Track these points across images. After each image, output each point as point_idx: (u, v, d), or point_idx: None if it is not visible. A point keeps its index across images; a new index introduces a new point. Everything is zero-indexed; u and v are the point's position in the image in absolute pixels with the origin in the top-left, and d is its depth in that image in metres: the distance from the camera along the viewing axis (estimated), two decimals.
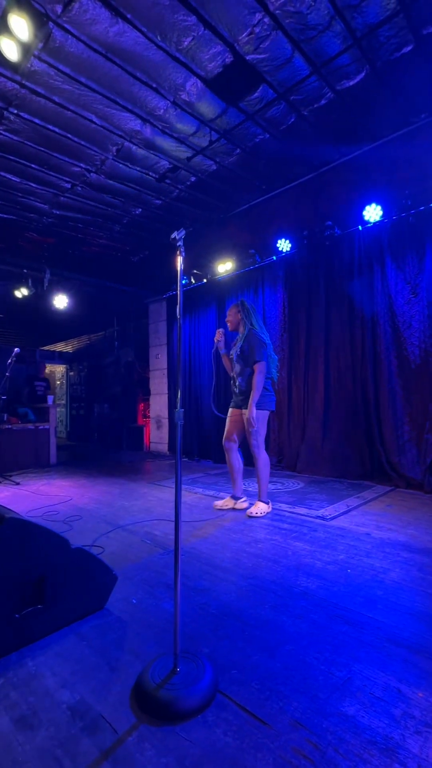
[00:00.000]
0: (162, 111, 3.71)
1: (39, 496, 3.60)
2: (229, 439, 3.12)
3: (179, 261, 1.25)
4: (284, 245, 4.67)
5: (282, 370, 4.79)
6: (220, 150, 4.29)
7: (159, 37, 2.98)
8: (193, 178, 4.83)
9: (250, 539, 2.43)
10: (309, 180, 4.70)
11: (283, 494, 3.53)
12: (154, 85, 3.42)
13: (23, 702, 1.13)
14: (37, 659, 1.32)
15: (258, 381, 2.86)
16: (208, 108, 3.69)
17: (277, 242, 4.72)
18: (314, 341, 4.50)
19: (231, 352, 3.13)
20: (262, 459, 2.95)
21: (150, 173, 4.70)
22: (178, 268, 1.26)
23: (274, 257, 4.84)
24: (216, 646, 1.38)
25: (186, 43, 3.04)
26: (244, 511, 3.02)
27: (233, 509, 3.09)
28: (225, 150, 4.30)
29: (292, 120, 3.88)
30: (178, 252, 1.24)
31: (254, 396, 2.86)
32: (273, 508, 3.08)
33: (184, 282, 5.86)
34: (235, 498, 3.15)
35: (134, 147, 4.22)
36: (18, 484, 4.15)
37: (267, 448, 4.95)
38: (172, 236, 1.23)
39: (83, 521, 2.83)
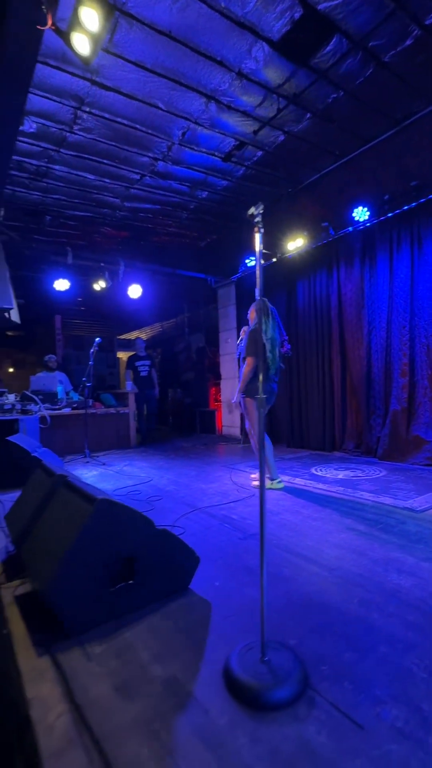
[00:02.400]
0: (227, 85, 3.56)
1: (123, 476, 3.85)
2: (253, 423, 3.38)
3: (258, 238, 1.17)
4: (362, 214, 4.28)
5: (360, 350, 4.46)
6: (288, 118, 4.02)
7: (222, 3, 2.82)
8: (259, 153, 4.62)
9: (332, 528, 2.32)
10: (389, 137, 4.21)
11: (364, 482, 3.33)
12: (219, 58, 3.28)
13: (122, 671, 1.20)
14: (131, 631, 1.40)
15: (244, 372, 3.18)
16: (275, 73, 3.45)
17: (353, 212, 4.34)
18: (397, 317, 4.10)
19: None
20: (253, 442, 3.40)
21: (216, 153, 4.59)
22: (257, 246, 1.18)
23: (350, 228, 4.47)
24: (303, 638, 1.33)
25: (251, 5, 2.85)
26: (321, 498, 2.91)
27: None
28: (294, 117, 4.01)
29: (370, 71, 3.47)
30: (256, 228, 1.16)
31: (239, 385, 3.23)
32: (354, 497, 2.92)
33: (251, 264, 5.72)
34: (272, 477, 3.32)
35: (199, 128, 4.13)
36: (104, 464, 4.48)
37: (344, 432, 4.70)
38: (250, 212, 1.15)
39: (163, 502, 2.95)
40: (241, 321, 6.26)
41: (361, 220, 4.31)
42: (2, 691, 1.20)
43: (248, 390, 3.20)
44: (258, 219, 1.15)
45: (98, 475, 3.92)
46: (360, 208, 4.29)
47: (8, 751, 1.12)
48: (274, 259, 5.51)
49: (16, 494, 3.13)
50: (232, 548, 2.09)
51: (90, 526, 1.40)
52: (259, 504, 2.69)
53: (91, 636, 1.37)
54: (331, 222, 4.68)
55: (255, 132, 4.22)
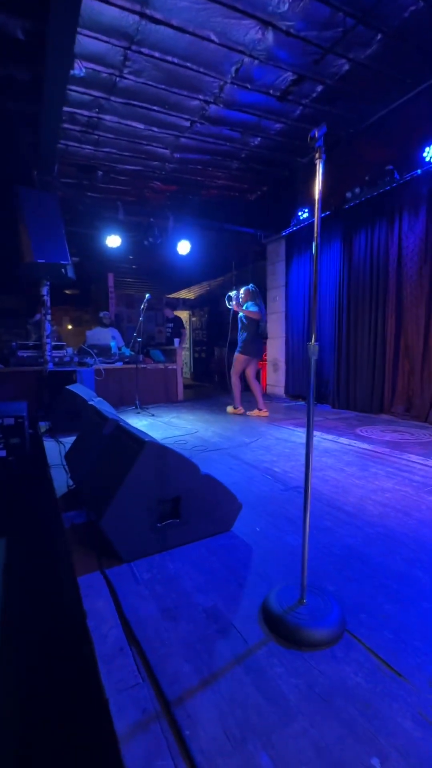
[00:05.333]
0: (286, 6, 3.12)
1: (170, 427, 3.97)
2: (236, 373, 4.68)
3: (319, 167, 1.02)
4: None
5: (418, 309, 4.08)
6: (355, 41, 3.47)
7: None
8: (319, 88, 4.10)
9: (376, 487, 2.24)
10: None
11: (413, 445, 3.15)
12: None
13: (167, 597, 1.27)
14: (176, 564, 1.46)
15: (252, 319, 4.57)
16: None
17: (423, 151, 3.79)
18: None
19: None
20: (233, 383, 4.73)
21: (271, 92, 4.15)
22: (318, 178, 1.03)
23: (419, 171, 3.93)
24: (342, 586, 1.32)
25: None
26: (366, 458, 2.80)
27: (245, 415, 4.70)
28: (362, 39, 3.46)
29: None
30: (317, 155, 1.00)
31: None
32: (401, 459, 2.78)
33: (304, 216, 5.30)
34: (236, 407, 4.82)
35: (254, 62, 3.72)
36: (153, 415, 4.64)
37: (393, 394, 4.46)
38: (311, 134, 0.99)
39: (208, 452, 3.01)
40: (291, 277, 5.94)
41: None
42: (63, 602, 1.32)
43: (245, 349, 4.57)
44: (320, 144, 1.00)
45: (148, 425, 4.07)
46: None
47: (66, 653, 1.25)
48: (329, 211, 5.06)
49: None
50: (274, 498, 2.09)
51: (140, 466, 1.44)
52: (303, 460, 2.78)
53: (140, 564, 1.45)
54: (396, 165, 4.14)
55: (316, 62, 3.72)
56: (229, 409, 4.87)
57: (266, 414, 4.60)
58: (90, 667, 1.05)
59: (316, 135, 0.99)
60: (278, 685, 0.93)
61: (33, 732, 1.29)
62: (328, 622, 1.09)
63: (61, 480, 2.34)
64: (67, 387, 3.82)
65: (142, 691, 0.92)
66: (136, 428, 1.90)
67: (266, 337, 4.92)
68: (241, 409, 4.79)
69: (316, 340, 1.14)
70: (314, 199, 4.16)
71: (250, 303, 4.58)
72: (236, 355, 4.62)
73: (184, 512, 1.56)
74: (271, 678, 0.95)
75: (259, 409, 4.63)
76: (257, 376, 4.80)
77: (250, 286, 4.68)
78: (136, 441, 1.54)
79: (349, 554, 1.53)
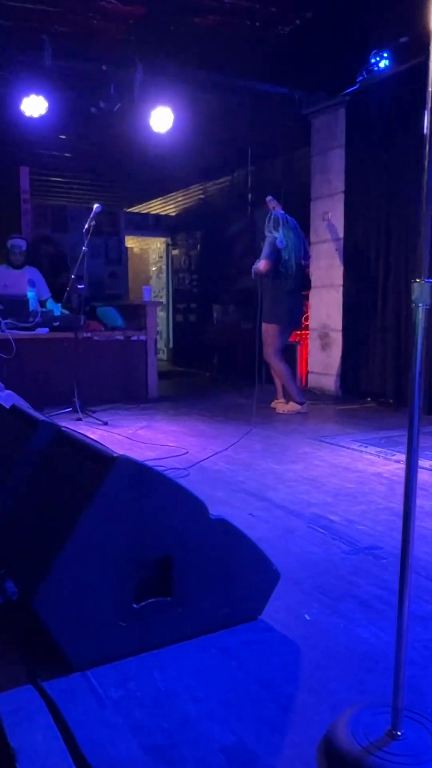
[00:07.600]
0: None
1: (138, 445, 4.04)
2: (274, 353, 5.60)
3: None
4: None
5: None
6: None
7: None
8: None
9: None
10: None
11: None
12: None
13: (156, 727, 1.31)
14: (167, 673, 1.51)
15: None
16: None
17: None
18: None
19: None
20: (274, 369, 5.59)
21: None
22: None
23: None
24: None
25: None
26: None
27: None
28: None
29: None
30: None
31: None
32: None
33: (383, 64, 5.33)
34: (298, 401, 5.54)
35: None
36: (106, 423, 4.72)
37: None
38: None
39: (209, 486, 3.07)
40: (357, 177, 5.98)
41: None
42: None
43: (267, 314, 5.33)
44: None
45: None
46: None
47: None
48: (424, 57, 5.09)
49: None
50: (332, 566, 2.16)
51: (103, 501, 1.48)
52: (379, 500, 2.83)
53: (104, 673, 1.49)
54: None
55: None
56: (281, 405, 5.60)
57: (303, 409, 5.46)
58: None
59: None
60: None
61: None
62: None
63: None
64: None
65: None
66: (91, 438, 1.94)
67: (301, 286, 5.64)
68: (293, 405, 5.49)
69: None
70: (390, 39, 4.19)
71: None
72: (263, 326, 5.41)
73: (180, 584, 1.60)
74: None
75: (285, 402, 5.59)
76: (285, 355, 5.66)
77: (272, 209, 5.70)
78: (97, 457, 1.58)
79: None
